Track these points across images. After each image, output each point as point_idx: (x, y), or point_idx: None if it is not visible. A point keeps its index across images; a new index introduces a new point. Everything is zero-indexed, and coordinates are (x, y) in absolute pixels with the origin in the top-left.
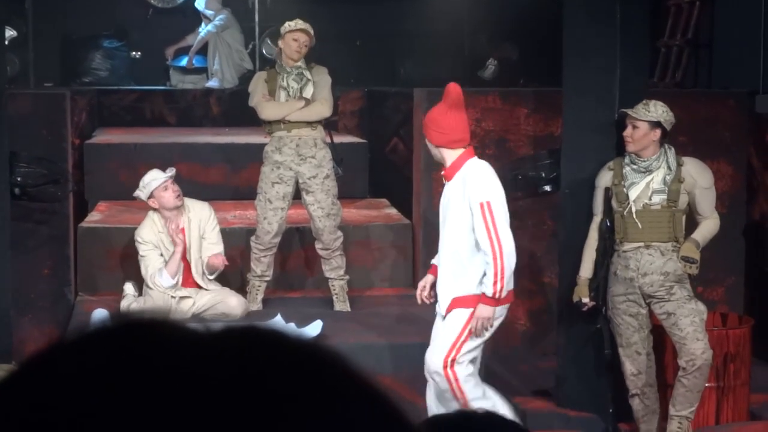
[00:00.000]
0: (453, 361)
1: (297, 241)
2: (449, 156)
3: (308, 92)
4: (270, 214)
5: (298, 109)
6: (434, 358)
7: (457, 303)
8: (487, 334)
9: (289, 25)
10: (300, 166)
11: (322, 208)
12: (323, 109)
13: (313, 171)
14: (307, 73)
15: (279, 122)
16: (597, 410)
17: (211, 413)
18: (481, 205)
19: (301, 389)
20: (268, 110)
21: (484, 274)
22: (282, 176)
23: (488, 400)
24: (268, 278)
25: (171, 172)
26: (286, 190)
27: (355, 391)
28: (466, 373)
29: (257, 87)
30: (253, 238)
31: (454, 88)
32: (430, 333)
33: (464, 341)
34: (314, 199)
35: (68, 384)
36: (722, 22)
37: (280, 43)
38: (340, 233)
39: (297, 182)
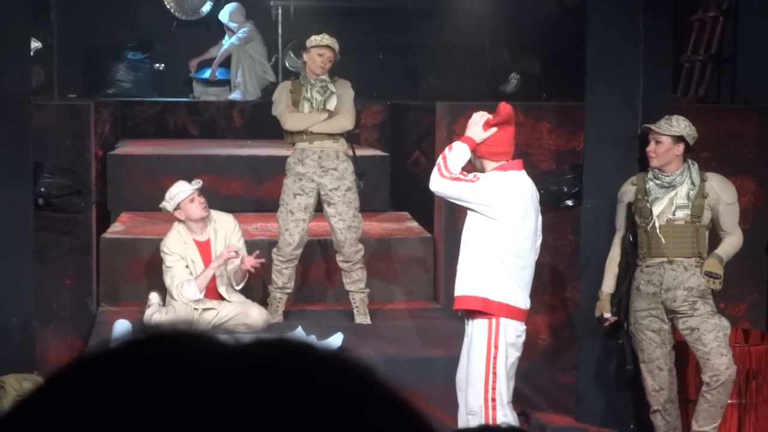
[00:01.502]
0: (493, 400)
1: (318, 254)
2: (489, 166)
3: (332, 104)
4: (291, 226)
5: (321, 121)
6: (471, 399)
7: (460, 303)
8: (511, 359)
9: (315, 39)
10: (322, 177)
11: (344, 221)
12: (346, 121)
13: (335, 183)
14: (331, 86)
15: (302, 133)
16: (618, 426)
17: (241, 427)
18: (475, 176)
19: (332, 400)
20: (291, 121)
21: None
22: (304, 188)
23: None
24: (289, 290)
25: (197, 184)
26: (307, 202)
27: (384, 402)
28: (502, 415)
29: (281, 96)
30: (274, 250)
31: (503, 108)
32: (450, 346)
33: (494, 381)
34: (336, 211)
35: (91, 402)
36: (745, 37)
37: (304, 56)
38: (361, 246)
39: (319, 194)
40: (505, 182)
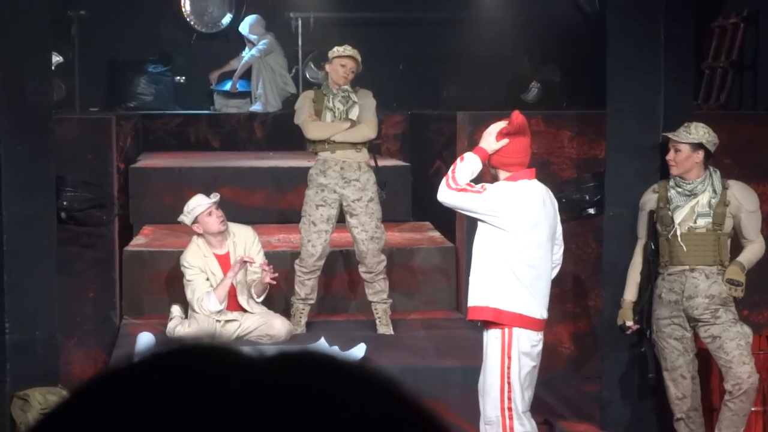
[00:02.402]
0: (510, 410)
1: (341, 264)
2: (501, 176)
3: (354, 114)
4: (314, 237)
5: (344, 130)
6: (488, 409)
7: (472, 314)
8: (526, 369)
9: (337, 50)
10: (344, 189)
11: (366, 231)
12: (368, 131)
13: (358, 194)
14: (353, 96)
15: (324, 143)
16: None
17: None
18: (482, 187)
19: (356, 413)
20: (313, 130)
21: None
22: (326, 199)
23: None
24: (311, 301)
25: (215, 197)
26: (330, 213)
27: (408, 414)
28: (519, 424)
29: (304, 105)
30: (297, 261)
31: (516, 117)
32: (472, 356)
33: (509, 391)
34: (358, 222)
35: (115, 415)
36: (766, 43)
37: (327, 66)
38: (383, 257)
39: (341, 205)
40: (512, 192)
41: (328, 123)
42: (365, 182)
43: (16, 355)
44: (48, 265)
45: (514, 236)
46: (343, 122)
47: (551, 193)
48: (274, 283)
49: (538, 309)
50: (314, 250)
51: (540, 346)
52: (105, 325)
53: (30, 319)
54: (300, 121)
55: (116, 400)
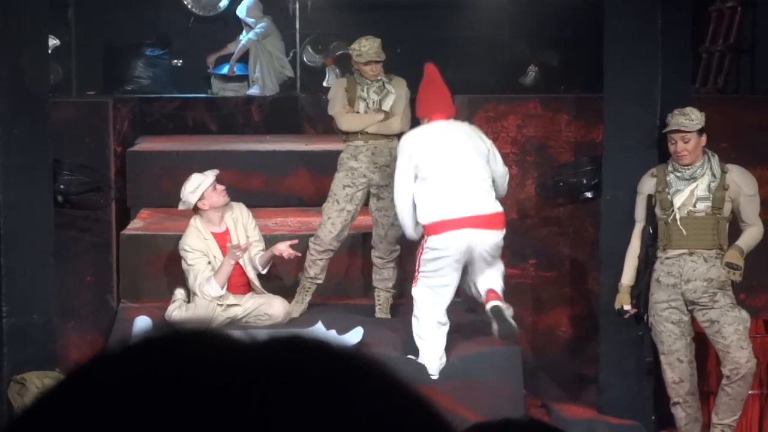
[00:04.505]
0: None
1: (344, 247)
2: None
3: (387, 104)
4: (335, 215)
5: (377, 122)
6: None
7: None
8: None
9: (364, 53)
10: (374, 173)
11: (388, 217)
12: (401, 124)
13: (386, 179)
14: (388, 86)
15: (356, 133)
16: (639, 418)
17: (256, 425)
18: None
19: (346, 398)
20: (347, 122)
21: None
22: (354, 181)
23: (423, 340)
24: (319, 281)
25: (215, 172)
26: (355, 193)
27: (399, 400)
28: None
29: (337, 96)
30: (312, 239)
31: (426, 67)
32: (471, 344)
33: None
34: (383, 206)
35: (111, 396)
36: (764, 27)
37: (356, 65)
38: (398, 246)
39: (368, 191)
40: (407, 142)
41: (361, 115)
42: (395, 169)
43: (13, 339)
44: (45, 249)
45: (421, 172)
46: (377, 114)
47: (471, 126)
48: (293, 256)
49: (448, 211)
50: (333, 228)
51: (438, 252)
52: (102, 309)
53: (27, 303)
54: (334, 113)
55: (108, 382)
